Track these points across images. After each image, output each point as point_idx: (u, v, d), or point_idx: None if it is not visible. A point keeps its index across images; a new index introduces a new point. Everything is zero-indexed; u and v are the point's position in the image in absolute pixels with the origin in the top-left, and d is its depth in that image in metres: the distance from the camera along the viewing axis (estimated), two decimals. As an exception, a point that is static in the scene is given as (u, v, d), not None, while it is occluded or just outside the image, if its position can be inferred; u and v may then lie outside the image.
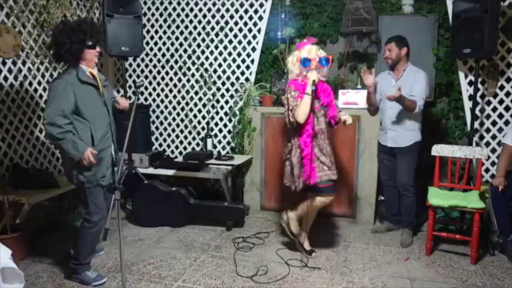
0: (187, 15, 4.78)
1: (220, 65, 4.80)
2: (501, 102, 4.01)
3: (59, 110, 2.71)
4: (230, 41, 4.72)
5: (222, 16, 4.69)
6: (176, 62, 4.92)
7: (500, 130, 4.00)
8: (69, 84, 2.76)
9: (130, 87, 4.68)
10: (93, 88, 2.89)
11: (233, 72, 4.77)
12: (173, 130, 5.07)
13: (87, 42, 2.82)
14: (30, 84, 3.94)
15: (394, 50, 3.62)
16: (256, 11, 4.59)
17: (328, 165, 3.17)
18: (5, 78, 3.68)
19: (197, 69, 4.86)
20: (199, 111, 4.92)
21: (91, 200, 2.92)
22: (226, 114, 4.85)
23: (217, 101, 4.86)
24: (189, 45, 4.84)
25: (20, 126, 3.85)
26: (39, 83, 4.02)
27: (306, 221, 3.36)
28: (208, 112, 4.89)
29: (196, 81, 4.88)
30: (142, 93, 5.04)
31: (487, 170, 4.10)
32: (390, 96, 3.42)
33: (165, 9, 4.84)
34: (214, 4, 4.69)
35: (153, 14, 4.89)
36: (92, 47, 2.86)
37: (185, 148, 5.07)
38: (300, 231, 3.45)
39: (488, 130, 4.10)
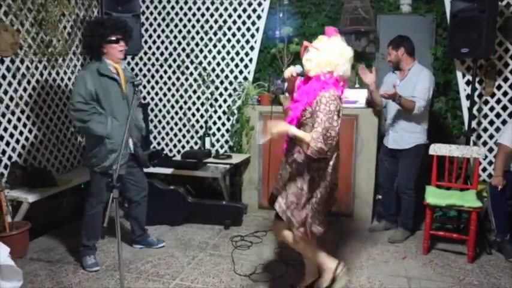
0: (185, 14, 4.78)
1: (218, 64, 4.80)
2: (498, 101, 4.02)
3: (80, 97, 2.96)
4: (228, 40, 4.72)
5: (221, 15, 4.69)
6: (174, 60, 4.92)
7: (497, 129, 4.01)
8: (89, 74, 2.99)
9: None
10: (114, 82, 3.06)
11: (231, 71, 4.77)
12: (171, 129, 5.07)
13: (109, 37, 3.00)
14: (29, 82, 3.93)
15: (392, 53, 3.64)
16: (254, 10, 4.59)
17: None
18: (3, 77, 3.68)
19: (195, 68, 4.86)
20: (198, 109, 4.93)
21: (93, 184, 3.17)
22: (224, 113, 4.85)
23: (216, 100, 4.86)
24: (187, 44, 4.84)
25: (18, 124, 3.85)
26: (38, 82, 4.02)
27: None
28: (206, 111, 4.89)
29: (195, 80, 4.88)
30: (140, 92, 5.04)
31: (484, 169, 4.11)
32: (384, 94, 3.43)
33: (164, 7, 4.84)
34: (212, 3, 4.69)
35: (151, 13, 4.89)
36: (114, 42, 3.03)
37: (183, 147, 5.07)
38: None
39: (485, 129, 4.11)
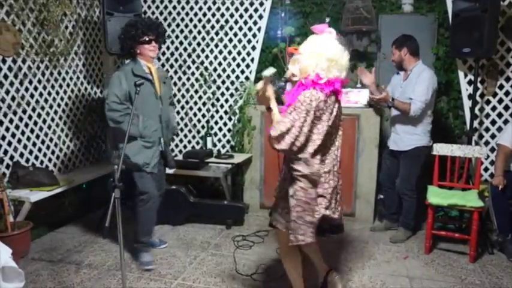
0: (187, 14, 4.78)
1: (220, 64, 4.80)
2: (500, 101, 4.01)
3: (115, 97, 3.04)
4: (230, 40, 4.72)
5: (222, 15, 4.69)
6: (176, 60, 4.92)
7: (499, 129, 4.00)
8: (123, 74, 3.08)
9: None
10: (147, 82, 3.09)
11: (233, 71, 4.77)
12: (173, 128, 5.07)
13: (141, 38, 3.09)
14: (30, 82, 3.93)
15: (395, 53, 3.64)
16: (256, 10, 4.59)
17: None
18: (5, 76, 3.68)
19: (197, 68, 4.86)
20: (199, 109, 4.92)
21: (138, 182, 3.20)
22: (226, 112, 4.85)
23: (217, 100, 4.86)
24: (189, 44, 4.84)
25: (20, 124, 3.85)
26: (39, 81, 4.02)
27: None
28: (208, 111, 4.89)
29: (196, 80, 4.88)
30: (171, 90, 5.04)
31: (486, 169, 4.10)
32: (372, 98, 3.43)
33: (165, 7, 4.84)
34: (214, 3, 4.69)
35: (153, 13, 4.89)
36: (146, 42, 3.11)
37: (185, 146, 5.07)
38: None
39: (487, 129, 4.10)
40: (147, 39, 3.12)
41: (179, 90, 4.96)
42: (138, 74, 3.09)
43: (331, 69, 2.19)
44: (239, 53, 4.72)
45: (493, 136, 4.07)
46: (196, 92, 4.90)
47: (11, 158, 3.78)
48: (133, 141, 3.11)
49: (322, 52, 2.19)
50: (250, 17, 4.62)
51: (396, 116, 3.66)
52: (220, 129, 4.90)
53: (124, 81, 3.06)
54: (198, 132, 4.98)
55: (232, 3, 4.64)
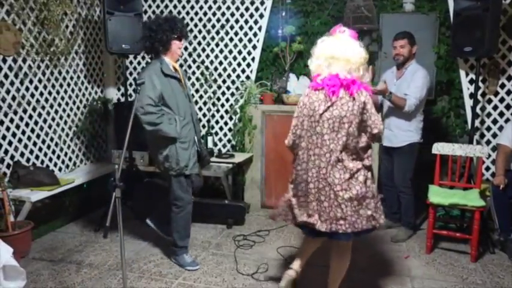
0: (187, 13, 4.77)
1: (220, 63, 4.79)
2: (502, 100, 4.01)
3: (150, 100, 2.91)
4: (231, 39, 4.71)
5: (223, 14, 4.68)
6: (176, 60, 4.90)
7: (500, 128, 3.99)
8: (155, 75, 2.96)
9: (131, 85, 4.68)
10: (176, 81, 3.08)
11: (234, 70, 4.76)
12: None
13: (176, 34, 3.03)
14: (31, 82, 3.93)
15: (406, 47, 3.58)
16: (257, 9, 4.58)
17: None
18: (6, 76, 3.68)
19: (197, 67, 4.85)
20: (200, 109, 4.92)
21: (176, 187, 3.14)
22: (226, 112, 4.84)
23: (218, 99, 4.85)
24: (190, 43, 4.83)
25: (21, 124, 3.85)
26: (40, 81, 4.02)
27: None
28: (208, 110, 4.89)
29: (197, 79, 4.87)
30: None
31: (487, 169, 4.10)
32: (374, 90, 3.42)
33: (166, 6, 4.83)
34: (215, 2, 4.68)
35: (153, 12, 4.88)
36: (177, 39, 3.05)
37: (186, 146, 5.06)
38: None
39: (488, 128, 4.09)
40: (176, 35, 3.04)
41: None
42: (168, 73, 3.01)
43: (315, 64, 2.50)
44: (240, 52, 4.71)
45: (494, 135, 4.06)
46: (197, 91, 4.90)
47: (12, 157, 3.77)
48: (171, 145, 3.02)
49: (316, 52, 2.52)
50: (251, 16, 4.61)
51: (389, 112, 3.67)
52: (221, 128, 4.90)
53: (157, 82, 2.95)
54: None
55: (233, 2, 4.63)
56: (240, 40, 4.68)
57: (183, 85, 3.16)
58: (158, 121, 2.94)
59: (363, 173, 2.37)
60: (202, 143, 3.33)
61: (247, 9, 4.61)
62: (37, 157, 4.04)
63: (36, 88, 3.99)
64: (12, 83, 3.74)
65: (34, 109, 3.98)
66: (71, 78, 4.39)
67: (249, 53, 4.68)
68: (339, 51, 2.33)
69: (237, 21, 4.67)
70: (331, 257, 2.55)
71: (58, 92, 4.23)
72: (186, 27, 3.20)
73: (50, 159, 4.19)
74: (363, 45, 2.43)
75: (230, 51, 4.73)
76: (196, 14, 4.75)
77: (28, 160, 3.94)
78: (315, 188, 2.36)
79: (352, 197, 2.30)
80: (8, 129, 3.73)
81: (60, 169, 4.30)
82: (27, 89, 3.90)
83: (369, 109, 2.32)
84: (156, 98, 2.94)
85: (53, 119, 4.20)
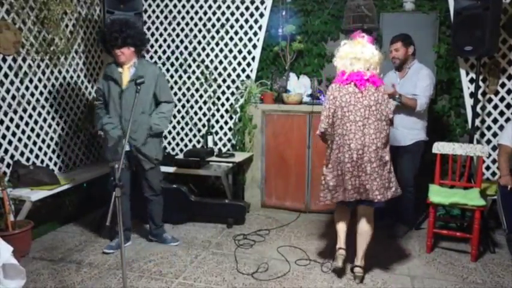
0: (188, 12, 4.77)
1: (221, 62, 4.79)
2: (502, 99, 4.00)
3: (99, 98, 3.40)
4: (231, 38, 4.71)
5: (223, 13, 4.68)
6: (177, 59, 4.91)
7: (501, 127, 3.99)
8: (101, 77, 3.49)
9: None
10: (113, 82, 3.27)
11: (234, 70, 4.76)
12: (174, 127, 5.06)
13: (104, 46, 3.29)
14: (31, 81, 3.93)
15: (400, 50, 3.60)
16: (257, 8, 4.57)
17: None
18: (5, 75, 3.68)
19: (198, 67, 4.85)
20: (200, 108, 4.92)
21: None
22: (227, 111, 4.84)
23: (218, 98, 4.85)
24: (190, 42, 4.83)
25: (21, 123, 3.85)
26: (40, 80, 4.02)
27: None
28: (209, 109, 4.89)
29: (197, 79, 4.87)
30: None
31: (487, 168, 4.10)
32: (384, 93, 3.40)
33: (166, 6, 4.83)
34: (215, 1, 4.67)
35: (153, 11, 4.88)
36: (113, 47, 3.22)
37: (186, 145, 5.07)
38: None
39: (489, 128, 4.09)
40: (108, 46, 3.25)
41: (180, 89, 4.95)
42: (108, 75, 3.30)
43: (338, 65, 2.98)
44: (240, 52, 4.70)
45: (494, 134, 4.06)
46: (197, 90, 4.89)
47: (12, 157, 3.77)
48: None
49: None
50: (251, 15, 4.61)
51: (394, 112, 3.64)
52: (221, 127, 4.89)
53: (101, 83, 3.43)
54: (199, 131, 4.97)
55: (233, 2, 4.63)
56: (240, 39, 4.68)
57: (120, 86, 3.28)
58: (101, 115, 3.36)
59: (387, 156, 2.87)
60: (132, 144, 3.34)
61: (247, 8, 4.61)
62: (37, 156, 4.04)
63: (36, 87, 3.99)
64: (12, 82, 3.74)
65: (34, 108, 3.98)
66: (71, 77, 4.39)
67: (249, 52, 4.67)
68: (360, 52, 2.82)
69: (237, 20, 4.66)
70: (360, 223, 3.00)
71: (58, 91, 4.23)
72: (127, 32, 3.18)
73: (50, 159, 4.19)
74: (378, 48, 2.89)
75: (230, 51, 4.73)
76: (196, 13, 4.75)
77: (28, 159, 3.94)
78: (352, 167, 2.80)
79: (383, 174, 2.84)
80: (8, 128, 3.73)
81: (60, 168, 4.30)
82: (27, 88, 3.89)
83: (386, 98, 2.85)
84: (100, 96, 3.36)
85: (53, 119, 4.20)
